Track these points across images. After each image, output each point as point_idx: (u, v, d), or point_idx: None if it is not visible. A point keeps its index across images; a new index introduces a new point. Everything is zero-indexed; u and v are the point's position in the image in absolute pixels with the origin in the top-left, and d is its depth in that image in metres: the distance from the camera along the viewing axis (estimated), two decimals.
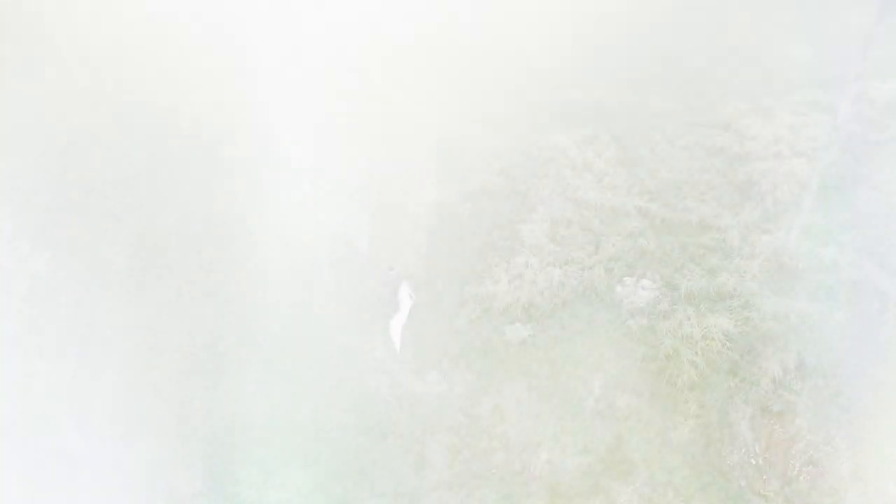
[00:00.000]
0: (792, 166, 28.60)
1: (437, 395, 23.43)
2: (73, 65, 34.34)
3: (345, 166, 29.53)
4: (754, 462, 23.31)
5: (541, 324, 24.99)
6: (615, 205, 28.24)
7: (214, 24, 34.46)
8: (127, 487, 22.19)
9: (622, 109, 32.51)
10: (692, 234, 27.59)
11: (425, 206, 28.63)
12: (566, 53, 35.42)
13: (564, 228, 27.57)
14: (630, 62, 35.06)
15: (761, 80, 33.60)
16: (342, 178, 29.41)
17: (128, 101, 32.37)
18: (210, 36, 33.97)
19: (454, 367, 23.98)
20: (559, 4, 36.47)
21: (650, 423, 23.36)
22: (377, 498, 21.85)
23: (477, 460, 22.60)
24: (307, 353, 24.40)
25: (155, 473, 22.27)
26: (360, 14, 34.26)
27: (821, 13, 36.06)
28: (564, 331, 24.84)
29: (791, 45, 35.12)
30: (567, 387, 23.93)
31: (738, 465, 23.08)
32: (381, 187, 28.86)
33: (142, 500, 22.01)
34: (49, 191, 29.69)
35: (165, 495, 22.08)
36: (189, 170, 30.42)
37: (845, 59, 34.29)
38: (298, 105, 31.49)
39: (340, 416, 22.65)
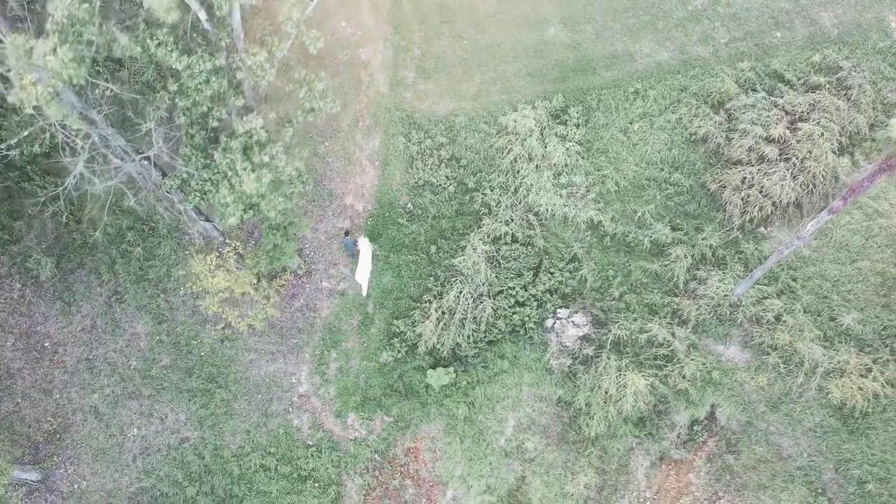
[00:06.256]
0: (777, 176, 25.47)
1: (355, 438, 25.04)
2: None
3: None
4: None
5: (465, 364, 25.33)
6: (567, 214, 26.12)
7: None
8: None
9: (604, 62, 27.66)
10: (640, 259, 26.01)
11: (365, 200, 26.70)
12: None
13: (507, 246, 26.02)
14: None
15: (784, 21, 27.78)
16: None
17: None
18: None
19: (374, 412, 25.14)
20: None
21: (552, 468, 25.22)
22: None
23: (389, 497, 25.15)
24: (236, 381, 25.43)
25: None
26: None
27: None
28: (487, 371, 25.30)
29: None
30: (482, 426, 25.29)
31: None
32: (322, 177, 26.62)
33: None
34: None
35: None
36: None
37: None
38: None
39: (263, 459, 24.66)
